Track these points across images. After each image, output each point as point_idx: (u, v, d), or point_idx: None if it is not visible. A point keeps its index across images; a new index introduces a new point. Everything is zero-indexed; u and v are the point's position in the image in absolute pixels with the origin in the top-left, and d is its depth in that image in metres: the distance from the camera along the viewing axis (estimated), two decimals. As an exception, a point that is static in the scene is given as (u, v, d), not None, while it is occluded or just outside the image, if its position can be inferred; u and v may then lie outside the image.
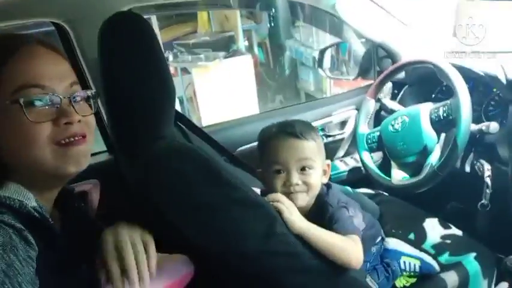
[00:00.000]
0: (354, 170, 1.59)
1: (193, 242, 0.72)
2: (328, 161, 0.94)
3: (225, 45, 3.40)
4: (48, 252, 0.57)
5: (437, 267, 1.06)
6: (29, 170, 0.59)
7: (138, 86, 0.75)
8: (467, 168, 1.17)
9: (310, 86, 3.58)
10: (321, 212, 0.87)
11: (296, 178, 0.85)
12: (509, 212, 1.06)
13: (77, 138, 0.60)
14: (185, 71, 3.34)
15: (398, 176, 1.21)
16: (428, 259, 1.08)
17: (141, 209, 0.84)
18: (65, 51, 1.07)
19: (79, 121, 0.61)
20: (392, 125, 1.22)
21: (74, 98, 0.61)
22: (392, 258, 1.07)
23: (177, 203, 0.71)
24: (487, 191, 1.08)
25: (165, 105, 0.79)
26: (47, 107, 0.58)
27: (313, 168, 0.86)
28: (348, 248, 0.80)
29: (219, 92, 3.14)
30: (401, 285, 1.05)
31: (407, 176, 1.18)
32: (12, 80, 0.56)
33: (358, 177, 1.55)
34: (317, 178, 0.88)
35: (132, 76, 0.75)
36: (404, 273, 1.06)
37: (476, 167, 1.11)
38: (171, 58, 3.24)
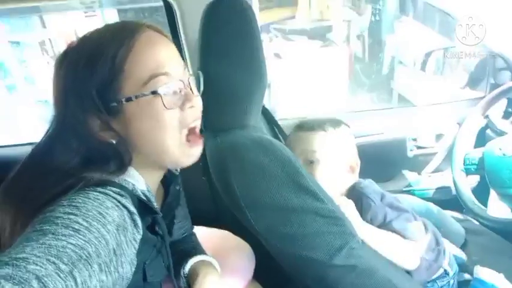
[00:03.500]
0: (442, 189, 1.45)
1: (260, 236, 0.72)
2: (357, 159, 0.88)
3: (321, 34, 3.31)
4: (148, 235, 0.61)
5: None
6: (152, 156, 0.62)
7: (233, 71, 0.75)
8: None
9: (406, 88, 3.34)
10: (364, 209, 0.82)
11: None
12: None
13: (198, 131, 0.64)
14: (277, 56, 3.33)
15: (498, 207, 1.07)
16: None
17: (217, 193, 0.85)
18: (170, 29, 1.12)
19: (196, 103, 0.63)
20: (501, 149, 1.07)
21: (189, 81, 0.63)
22: None
23: (252, 195, 0.70)
24: None
25: (256, 94, 0.78)
26: (174, 93, 0.60)
27: (319, 162, 0.81)
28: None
29: (309, 82, 3.08)
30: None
31: (509, 210, 1.04)
32: (140, 70, 0.57)
33: (446, 198, 1.41)
34: (328, 173, 0.82)
35: (229, 60, 0.75)
36: None
37: None
38: (266, 42, 3.25)
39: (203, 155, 0.79)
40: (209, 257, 0.84)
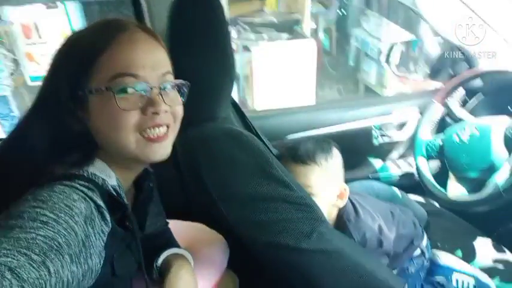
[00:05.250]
0: (406, 175, 1.52)
1: (232, 226, 0.73)
2: (344, 185, 0.91)
3: (289, 27, 3.33)
4: (117, 229, 0.61)
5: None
6: (114, 152, 0.62)
7: (201, 64, 0.75)
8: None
9: (372, 79, 3.44)
10: None
11: None
12: None
13: (159, 134, 0.62)
14: (246, 49, 3.34)
15: (456, 190, 1.14)
16: (484, 277, 1.01)
17: (188, 186, 0.85)
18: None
19: (166, 111, 0.62)
20: (459, 136, 1.14)
21: (164, 87, 0.62)
22: (442, 274, 1.01)
23: (223, 186, 0.71)
24: None
25: (223, 85, 0.79)
26: (137, 96, 0.59)
27: (313, 195, 0.83)
28: None
29: (277, 74, 3.10)
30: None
31: (465, 191, 1.11)
32: (109, 67, 0.58)
33: (410, 183, 1.48)
34: (322, 204, 0.83)
35: (196, 53, 0.75)
36: None
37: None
38: (234, 35, 3.24)
39: (174, 149, 0.79)
40: (182, 249, 0.85)
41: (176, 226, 0.97)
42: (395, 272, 0.99)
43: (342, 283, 0.76)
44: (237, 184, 0.70)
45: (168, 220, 0.95)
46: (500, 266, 1.06)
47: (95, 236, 0.54)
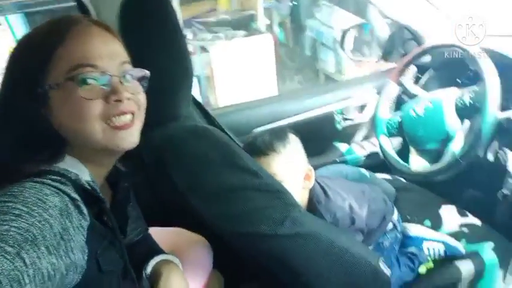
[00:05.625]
0: (371, 155, 1.57)
1: (206, 221, 0.74)
2: (309, 166, 0.94)
3: (244, 24, 3.35)
4: (97, 224, 0.61)
5: (462, 250, 1.05)
6: (82, 145, 0.62)
7: (156, 65, 0.74)
8: (490, 157, 1.14)
9: (330, 67, 3.52)
10: None
11: None
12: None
13: (125, 121, 0.62)
14: (204, 49, 3.33)
15: (418, 162, 1.19)
16: (452, 242, 1.07)
17: (158, 188, 0.85)
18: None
19: (128, 99, 0.63)
20: (414, 110, 1.19)
21: (124, 76, 0.63)
22: (414, 245, 1.06)
23: (196, 185, 0.71)
24: (510, 180, 1.05)
25: (182, 84, 0.79)
26: (98, 85, 0.60)
27: (282, 183, 0.84)
28: None
29: (238, 72, 3.12)
30: (422, 272, 1.04)
31: (427, 163, 1.16)
32: (67, 60, 0.59)
33: (375, 163, 1.53)
34: (291, 190, 0.83)
35: (150, 54, 0.74)
36: (429, 258, 1.05)
37: (499, 155, 1.08)
38: (190, 36, 3.22)
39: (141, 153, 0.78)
40: (169, 255, 0.84)
41: (155, 232, 0.96)
42: (371, 247, 1.03)
43: (321, 264, 0.78)
44: (206, 179, 0.70)
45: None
46: (466, 230, 1.12)
47: (74, 229, 0.53)
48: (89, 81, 0.59)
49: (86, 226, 0.57)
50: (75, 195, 0.56)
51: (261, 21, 3.49)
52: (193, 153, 0.71)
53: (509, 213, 1.14)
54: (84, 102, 0.58)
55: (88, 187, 0.60)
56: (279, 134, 0.92)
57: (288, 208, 0.75)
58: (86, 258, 0.55)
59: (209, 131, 0.74)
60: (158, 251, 0.86)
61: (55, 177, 0.56)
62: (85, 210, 0.57)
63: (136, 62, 0.74)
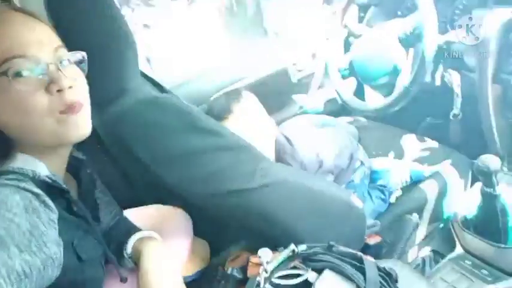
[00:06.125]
0: (330, 101, 1.60)
1: (176, 189, 0.73)
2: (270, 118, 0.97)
3: (183, -7, 3.22)
4: (67, 216, 0.60)
5: (425, 173, 1.12)
6: (32, 141, 0.59)
7: (92, 43, 0.70)
8: (438, 81, 1.19)
9: (276, 23, 3.47)
10: None
11: None
12: (478, 117, 1.10)
13: (74, 105, 0.58)
14: (146, 26, 3.19)
15: (373, 98, 1.23)
16: (415, 166, 1.13)
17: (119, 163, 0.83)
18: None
19: (71, 86, 0.58)
20: (362, 49, 1.22)
21: (61, 62, 0.58)
22: (382, 177, 1.12)
23: (159, 154, 0.71)
24: (457, 99, 1.11)
25: (124, 57, 0.75)
26: (35, 76, 0.55)
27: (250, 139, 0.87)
28: None
29: (185, 43, 3.03)
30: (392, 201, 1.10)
31: (382, 97, 1.20)
32: None
33: (335, 108, 1.57)
34: (261, 143, 0.89)
35: (84, 33, 0.70)
36: (397, 187, 1.11)
37: (445, 78, 1.13)
38: (129, 13, 3.06)
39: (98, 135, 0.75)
40: (147, 231, 0.82)
41: (133, 214, 0.96)
42: (343, 186, 1.08)
43: (296, 208, 0.81)
44: (169, 146, 0.70)
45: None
46: (426, 153, 1.19)
47: (43, 224, 0.52)
48: (24, 73, 0.54)
49: (56, 219, 0.56)
50: (38, 190, 0.55)
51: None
52: (150, 123, 0.69)
53: (460, 129, 1.22)
54: (24, 97, 0.54)
55: (49, 180, 0.58)
56: (233, 95, 0.92)
57: (256, 161, 0.76)
58: (62, 250, 0.54)
59: (162, 98, 0.72)
60: (135, 229, 0.85)
61: (10, 176, 0.54)
62: (51, 204, 0.56)
63: (71, 45, 0.71)
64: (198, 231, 1.00)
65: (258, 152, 0.78)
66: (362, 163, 1.13)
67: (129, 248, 0.78)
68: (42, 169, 0.59)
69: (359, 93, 1.29)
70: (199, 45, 3.07)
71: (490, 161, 0.87)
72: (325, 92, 1.63)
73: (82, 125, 0.61)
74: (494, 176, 0.88)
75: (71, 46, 0.64)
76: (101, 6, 0.71)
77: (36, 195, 0.54)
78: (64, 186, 0.61)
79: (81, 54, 0.63)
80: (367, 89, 1.24)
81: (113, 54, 0.72)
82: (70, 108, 0.58)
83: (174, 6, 3.09)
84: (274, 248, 0.74)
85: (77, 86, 0.60)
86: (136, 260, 0.75)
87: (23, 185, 0.54)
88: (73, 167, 0.71)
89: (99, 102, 0.74)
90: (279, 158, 0.96)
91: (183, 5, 3.11)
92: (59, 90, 0.57)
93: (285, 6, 3.01)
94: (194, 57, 2.98)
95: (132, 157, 0.71)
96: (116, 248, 0.78)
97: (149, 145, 0.70)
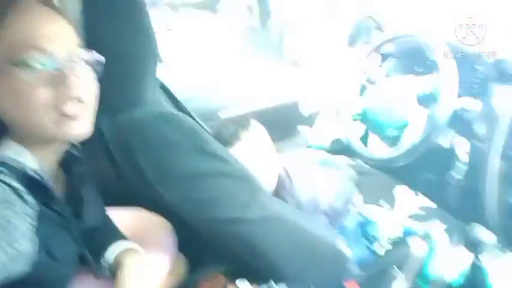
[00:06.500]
0: (335, 141, 1.60)
1: (173, 208, 0.73)
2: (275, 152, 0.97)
3: (211, 6, 3.28)
4: (47, 211, 0.58)
5: (419, 232, 1.10)
6: (29, 133, 0.58)
7: (119, 43, 0.71)
8: (443, 143, 1.19)
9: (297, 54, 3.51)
10: None
11: None
12: (480, 185, 1.09)
13: (76, 112, 0.58)
14: (169, 30, 3.23)
15: (378, 148, 1.23)
16: (409, 222, 1.13)
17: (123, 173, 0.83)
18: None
19: (78, 85, 0.58)
20: (376, 97, 1.22)
21: (74, 61, 0.58)
22: (373, 228, 1.11)
23: (164, 172, 0.71)
24: (457, 163, 1.11)
25: (147, 66, 0.76)
26: (45, 71, 0.54)
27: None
28: None
29: (202, 54, 3.05)
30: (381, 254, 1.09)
31: (387, 149, 1.21)
32: (8, 43, 0.53)
33: (339, 148, 1.57)
34: (259, 175, 0.87)
35: (113, 32, 0.71)
36: (387, 240, 1.10)
37: (453, 142, 1.13)
38: (156, 16, 3.10)
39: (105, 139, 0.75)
40: (132, 242, 0.82)
41: (117, 214, 0.94)
42: (336, 231, 1.07)
43: (285, 245, 0.81)
44: (175, 165, 0.70)
45: (107, 208, 0.91)
46: (420, 211, 1.19)
47: (17, 219, 0.51)
48: (35, 66, 0.53)
49: (33, 214, 0.54)
50: (16, 184, 0.54)
51: (228, 4, 3.42)
52: (160, 139, 0.70)
53: (457, 194, 1.21)
54: (30, 90, 0.53)
55: (34, 175, 0.57)
56: (242, 123, 0.93)
57: (254, 192, 0.76)
58: (35, 247, 0.53)
59: (176, 116, 0.73)
60: (119, 236, 0.84)
61: None
62: (30, 199, 0.55)
63: (97, 39, 0.71)
64: (178, 243, 0.98)
65: (259, 184, 0.78)
66: (357, 210, 1.13)
67: (110, 255, 0.76)
68: (31, 162, 0.58)
69: (366, 140, 1.30)
70: (215, 59, 3.09)
71: (483, 234, 0.86)
72: (332, 131, 1.63)
73: (82, 127, 0.60)
74: (483, 249, 0.87)
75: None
76: (134, 12, 0.71)
77: (14, 188, 0.53)
78: (49, 183, 0.60)
79: (97, 56, 0.62)
80: (374, 138, 1.25)
81: (136, 63, 0.72)
82: (73, 116, 0.57)
83: (199, 14, 3.14)
84: (253, 280, 0.74)
85: (85, 86, 0.60)
86: (114, 270, 0.74)
87: (2, 177, 0.53)
88: (66, 162, 0.70)
89: (113, 106, 0.75)
90: (278, 193, 0.95)
91: (207, 16, 3.16)
92: (65, 88, 0.56)
93: (309, 40, 3.06)
94: (208, 69, 3.00)
95: (135, 168, 0.71)
96: (95, 250, 0.76)
97: (156, 160, 0.70)
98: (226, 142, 0.89)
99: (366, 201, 1.23)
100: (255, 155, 0.91)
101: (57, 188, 0.66)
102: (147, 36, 0.74)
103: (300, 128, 1.61)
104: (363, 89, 1.44)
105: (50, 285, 0.62)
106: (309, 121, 1.62)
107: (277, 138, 1.24)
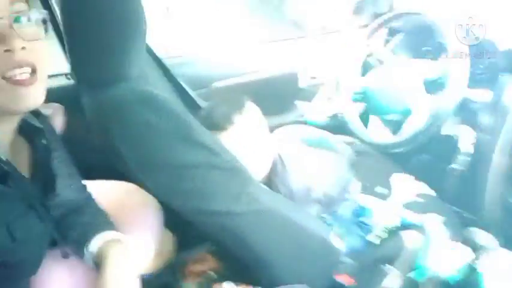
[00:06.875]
0: (333, 117, 1.53)
1: (156, 196, 0.69)
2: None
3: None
4: (4, 189, 0.54)
5: (413, 220, 1.05)
6: None
7: (101, 17, 0.62)
8: (446, 130, 1.14)
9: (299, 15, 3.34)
10: None
11: None
12: (483, 177, 1.06)
13: (24, 75, 0.52)
14: None
15: (379, 133, 1.18)
16: (406, 212, 1.07)
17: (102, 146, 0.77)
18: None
19: (23, 48, 0.51)
20: (381, 79, 1.15)
21: (17, 18, 0.51)
22: (367, 215, 1.07)
23: (141, 157, 0.65)
24: (459, 156, 1.06)
25: (134, 39, 0.66)
26: None
27: (243, 156, 0.80)
28: None
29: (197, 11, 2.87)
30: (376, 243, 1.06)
31: (388, 133, 1.15)
32: None
33: (337, 124, 1.51)
34: (251, 162, 0.82)
35: (94, 6, 0.61)
36: (383, 229, 1.06)
37: (459, 132, 1.08)
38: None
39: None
40: (118, 234, 0.76)
41: (103, 187, 0.90)
42: (329, 217, 1.03)
43: (274, 239, 0.77)
44: (157, 153, 0.64)
45: (93, 181, 0.87)
46: (418, 200, 1.15)
47: None
48: None
49: None
50: None
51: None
52: (140, 122, 0.62)
53: (458, 185, 1.18)
54: None
55: None
56: (237, 105, 0.85)
57: (244, 184, 0.72)
58: None
59: (160, 98, 0.65)
60: (104, 225, 0.78)
61: None
62: None
63: (77, 12, 0.62)
64: (166, 221, 0.95)
65: (248, 175, 0.73)
66: (352, 196, 1.08)
67: (94, 246, 0.72)
68: None
69: (365, 121, 1.24)
70: (214, 16, 2.92)
71: (482, 237, 0.83)
72: (331, 106, 1.56)
73: (33, 95, 0.54)
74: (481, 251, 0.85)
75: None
76: None
77: None
78: (2, 157, 0.55)
79: (43, 13, 0.56)
80: (375, 121, 1.19)
81: (121, 38, 0.63)
82: (22, 80, 0.51)
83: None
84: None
85: (32, 49, 0.53)
86: (98, 261, 0.70)
87: None
88: (27, 133, 0.65)
89: (93, 79, 0.67)
90: (270, 179, 0.90)
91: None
92: (7, 51, 0.50)
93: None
94: (206, 28, 2.84)
95: (114, 151, 0.64)
96: (77, 237, 0.73)
97: (136, 147, 0.64)
98: (218, 126, 0.82)
99: (363, 188, 1.18)
100: (248, 140, 0.85)
101: (19, 162, 0.62)
102: (133, 11, 0.64)
103: (297, 102, 1.53)
104: (366, 65, 1.36)
105: (8, 269, 0.57)
106: (308, 95, 1.54)
107: (271, 112, 1.18)
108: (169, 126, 0.63)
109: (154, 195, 0.70)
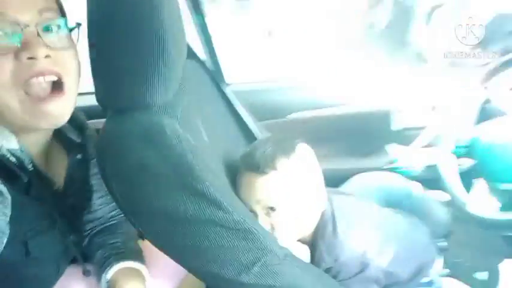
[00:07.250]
0: (430, 168, 1.26)
1: (153, 243, 0.59)
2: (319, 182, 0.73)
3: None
4: (25, 199, 0.54)
5: None
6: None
7: (122, 39, 0.52)
8: None
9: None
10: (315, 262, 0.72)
11: (263, 221, 0.68)
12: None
13: (46, 92, 0.52)
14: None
15: (485, 201, 0.91)
16: None
17: None
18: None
19: (47, 56, 0.51)
20: (500, 133, 0.91)
21: (45, 27, 0.51)
22: None
23: (134, 200, 0.55)
24: None
25: (161, 66, 0.55)
26: (7, 38, 0.49)
27: (278, 209, 0.68)
28: None
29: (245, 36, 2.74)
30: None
31: (497, 206, 0.89)
32: None
33: (433, 177, 1.24)
34: (296, 213, 0.70)
35: (115, 27, 0.53)
36: None
37: None
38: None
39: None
40: (138, 263, 0.73)
41: None
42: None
43: None
44: (153, 198, 0.54)
45: None
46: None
47: None
48: None
49: (7, 203, 0.49)
50: None
51: None
52: (138, 162, 0.53)
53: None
54: None
55: (9, 156, 0.52)
56: (285, 147, 0.70)
57: (259, 253, 0.58)
58: (4, 239, 0.48)
59: (167, 134, 0.53)
60: (129, 251, 0.75)
61: None
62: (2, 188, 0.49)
63: (100, 32, 0.55)
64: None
65: (269, 243, 0.59)
66: (431, 282, 0.83)
67: (110, 273, 0.70)
68: (11, 142, 0.53)
69: (469, 183, 0.97)
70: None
71: None
72: (430, 154, 1.29)
73: (57, 116, 0.54)
74: None
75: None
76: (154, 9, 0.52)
77: None
78: (29, 166, 0.55)
79: (67, 21, 0.55)
80: (483, 187, 0.92)
81: (144, 64, 0.52)
82: (47, 97, 0.51)
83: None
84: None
85: (58, 58, 0.51)
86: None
87: None
88: (66, 147, 0.66)
89: (115, 105, 0.60)
90: (314, 241, 0.73)
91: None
92: (30, 58, 0.49)
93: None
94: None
95: (108, 188, 0.56)
96: (102, 259, 0.72)
97: (129, 189, 0.55)
98: (258, 168, 0.69)
99: (450, 263, 0.92)
100: (289, 190, 0.69)
101: (56, 173, 0.62)
102: (160, 31, 0.54)
103: (389, 146, 1.31)
104: (482, 112, 1.08)
105: (21, 283, 0.57)
106: (402, 139, 1.31)
107: (355, 154, 1.01)
108: (170, 170, 0.52)
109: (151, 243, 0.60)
